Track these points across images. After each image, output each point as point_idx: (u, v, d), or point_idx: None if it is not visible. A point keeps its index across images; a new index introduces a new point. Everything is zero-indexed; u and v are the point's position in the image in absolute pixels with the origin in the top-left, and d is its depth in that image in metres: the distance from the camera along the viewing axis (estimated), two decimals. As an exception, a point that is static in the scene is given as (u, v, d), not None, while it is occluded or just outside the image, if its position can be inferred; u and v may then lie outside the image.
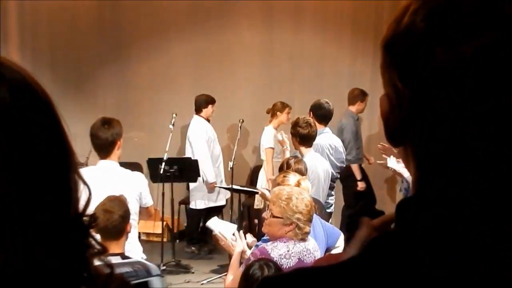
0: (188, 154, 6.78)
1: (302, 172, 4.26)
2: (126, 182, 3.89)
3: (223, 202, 7.10)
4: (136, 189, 3.94)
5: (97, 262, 0.77)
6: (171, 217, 6.68)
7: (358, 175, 6.48)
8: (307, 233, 3.24)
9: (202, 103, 6.86)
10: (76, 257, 0.73)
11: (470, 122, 0.65)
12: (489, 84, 0.65)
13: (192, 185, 6.89)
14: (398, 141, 0.76)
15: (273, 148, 6.56)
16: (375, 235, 0.81)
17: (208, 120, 6.94)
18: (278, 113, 6.70)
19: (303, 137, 5.01)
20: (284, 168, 4.32)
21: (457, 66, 0.65)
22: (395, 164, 4.53)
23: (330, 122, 5.85)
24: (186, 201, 7.49)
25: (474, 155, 0.66)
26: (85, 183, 0.77)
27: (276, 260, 2.99)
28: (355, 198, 6.44)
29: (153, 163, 6.42)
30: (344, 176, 6.20)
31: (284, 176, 3.76)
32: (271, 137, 6.55)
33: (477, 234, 0.64)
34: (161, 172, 6.26)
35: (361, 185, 6.50)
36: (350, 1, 7.68)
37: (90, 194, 0.79)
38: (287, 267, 3.04)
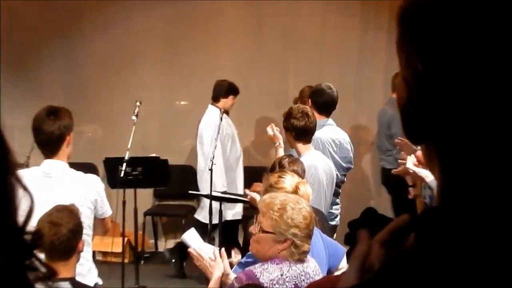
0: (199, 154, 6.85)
1: (299, 175, 4.29)
2: (78, 188, 3.92)
3: (238, 216, 7.21)
4: (90, 196, 3.97)
5: None
6: (134, 232, 6.75)
7: (409, 180, 6.45)
8: (306, 253, 3.26)
9: (222, 91, 6.93)
10: (15, 284, 0.73)
11: (471, 121, 0.70)
12: (489, 84, 0.70)
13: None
14: (419, 137, 0.78)
15: None
16: (380, 252, 0.84)
17: (227, 113, 6.99)
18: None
19: (299, 131, 5.05)
20: (276, 169, 4.35)
21: (458, 66, 0.69)
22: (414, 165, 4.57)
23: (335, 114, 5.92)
24: (153, 212, 7.60)
25: (476, 155, 0.71)
26: (25, 188, 0.76)
27: (266, 287, 3.02)
28: (407, 208, 6.47)
29: (112, 164, 6.48)
30: (393, 183, 6.17)
31: (280, 177, 3.80)
32: None
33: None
34: (122, 175, 6.30)
35: (413, 192, 6.49)
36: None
37: (32, 202, 0.78)
38: None
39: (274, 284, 3.12)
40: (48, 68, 8.16)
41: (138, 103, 6.85)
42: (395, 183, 6.20)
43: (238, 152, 7.06)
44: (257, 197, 4.54)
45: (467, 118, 0.71)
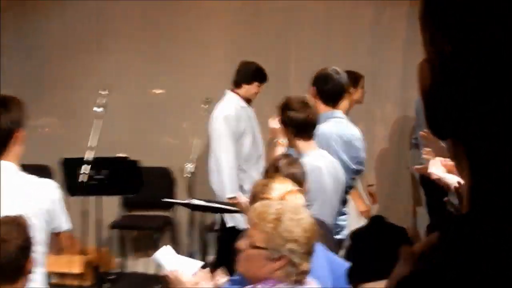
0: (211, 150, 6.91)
1: (299, 179, 4.34)
2: (30, 195, 3.90)
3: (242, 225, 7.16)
4: (44, 206, 3.95)
5: None
6: (97, 249, 6.89)
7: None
8: (305, 273, 3.27)
9: (246, 76, 6.92)
10: None
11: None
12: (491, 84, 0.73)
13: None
14: (445, 131, 0.81)
15: None
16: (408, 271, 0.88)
17: (249, 101, 7.02)
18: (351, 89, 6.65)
19: (299, 126, 5.09)
20: (271, 172, 4.42)
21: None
22: (440, 170, 4.53)
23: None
24: (121, 224, 7.77)
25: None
26: None
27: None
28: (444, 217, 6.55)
29: (71, 166, 6.52)
30: (433, 188, 6.13)
31: (264, 185, 3.86)
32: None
33: None
34: (83, 179, 6.34)
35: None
36: None
37: None
38: None
39: None
40: (5, 51, 8.30)
41: (104, 92, 6.83)
42: (433, 189, 6.14)
43: (260, 151, 7.06)
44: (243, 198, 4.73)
45: (505, 110, 0.73)
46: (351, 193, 6.18)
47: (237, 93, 6.99)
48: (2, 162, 3.85)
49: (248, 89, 6.87)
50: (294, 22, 8.16)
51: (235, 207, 6.07)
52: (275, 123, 5.52)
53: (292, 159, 4.63)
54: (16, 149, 3.88)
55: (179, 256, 4.31)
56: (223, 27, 8.25)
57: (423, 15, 0.79)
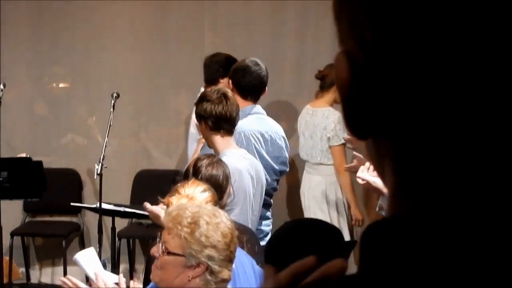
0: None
1: (218, 182, 4.35)
2: None
3: None
4: None
5: None
6: None
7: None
8: (226, 281, 3.28)
9: (218, 71, 6.73)
10: None
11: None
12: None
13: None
14: (366, 129, 0.81)
15: (344, 144, 6.63)
16: None
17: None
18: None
19: (216, 119, 5.04)
20: (190, 174, 4.41)
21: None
22: (369, 174, 4.66)
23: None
24: (24, 231, 7.90)
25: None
26: None
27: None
28: None
29: None
30: None
31: (175, 189, 3.93)
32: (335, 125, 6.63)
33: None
34: None
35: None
36: None
37: None
38: None
39: None
40: None
41: (1, 86, 6.78)
42: None
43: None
44: (161, 212, 4.49)
45: (440, 102, 0.74)
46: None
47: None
48: None
49: (226, 83, 6.66)
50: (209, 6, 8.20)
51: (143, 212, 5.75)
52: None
53: (214, 160, 4.59)
54: None
55: (100, 263, 4.32)
56: (127, 10, 8.26)
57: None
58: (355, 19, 0.77)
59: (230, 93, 5.18)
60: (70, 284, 3.72)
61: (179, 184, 4.00)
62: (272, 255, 1.54)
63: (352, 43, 0.78)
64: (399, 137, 0.77)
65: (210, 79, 6.67)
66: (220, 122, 5.02)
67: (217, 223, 3.22)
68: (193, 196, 3.72)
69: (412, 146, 0.76)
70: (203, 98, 5.12)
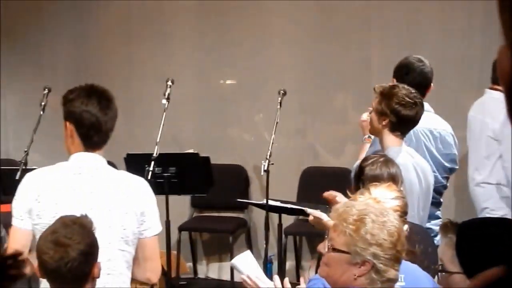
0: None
1: (395, 181, 4.32)
2: (121, 192, 3.95)
3: None
4: (136, 205, 3.97)
5: None
6: (167, 253, 6.94)
7: None
8: (392, 281, 3.23)
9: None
10: None
11: None
12: None
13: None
14: None
15: None
16: None
17: None
18: None
19: (402, 122, 5.04)
20: (356, 173, 4.51)
21: None
22: None
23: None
24: (191, 226, 8.13)
25: None
26: None
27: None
28: None
29: (135, 163, 6.58)
30: None
31: (366, 189, 3.88)
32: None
33: None
34: (149, 177, 6.35)
35: None
36: None
37: None
38: None
39: None
40: (50, 38, 8.66)
41: (169, 83, 6.91)
42: None
43: None
44: (322, 216, 4.65)
45: None
46: None
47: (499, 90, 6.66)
48: (92, 155, 3.91)
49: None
50: (375, 6, 8.13)
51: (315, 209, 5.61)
52: (367, 117, 5.57)
53: (387, 159, 4.58)
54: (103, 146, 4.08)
55: (258, 266, 4.38)
56: (293, 9, 8.27)
57: None
58: None
59: (421, 99, 5.14)
60: (249, 282, 3.82)
61: (372, 184, 3.98)
62: (463, 253, 1.58)
63: None
64: None
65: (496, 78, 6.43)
66: (402, 124, 5.03)
67: (383, 222, 3.19)
68: (380, 201, 3.69)
69: None
70: (393, 96, 5.07)
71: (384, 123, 5.08)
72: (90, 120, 3.94)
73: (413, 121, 5.17)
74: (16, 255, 1.02)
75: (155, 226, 4.12)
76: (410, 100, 5.10)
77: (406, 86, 5.32)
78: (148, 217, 4.07)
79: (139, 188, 4.13)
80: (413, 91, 5.27)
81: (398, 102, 5.09)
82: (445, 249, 3.36)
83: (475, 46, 7.59)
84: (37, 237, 3.61)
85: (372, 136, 5.59)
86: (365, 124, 5.64)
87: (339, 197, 4.60)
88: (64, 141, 4.06)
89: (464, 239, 3.13)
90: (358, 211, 3.22)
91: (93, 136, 4.02)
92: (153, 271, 4.23)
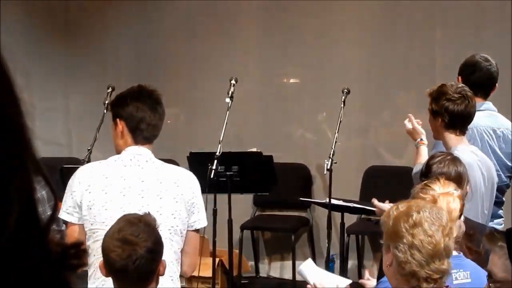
0: None
1: (462, 179, 4.37)
2: (170, 185, 4.04)
3: None
4: (184, 198, 4.07)
5: None
6: (229, 252, 7.08)
7: None
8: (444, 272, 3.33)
9: None
10: None
11: None
12: None
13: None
14: None
15: None
16: None
17: None
18: None
19: (454, 117, 5.04)
20: (423, 172, 4.49)
21: None
22: None
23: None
24: (253, 225, 8.11)
25: None
26: (49, 183, 0.96)
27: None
28: None
29: (198, 161, 6.66)
30: None
31: (425, 184, 3.88)
32: None
33: None
34: (212, 175, 6.44)
35: None
36: None
37: (55, 200, 1.01)
38: None
39: None
40: (114, 38, 8.94)
41: (233, 81, 6.97)
42: None
43: None
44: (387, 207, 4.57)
45: None
46: None
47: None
48: (143, 148, 4.10)
49: None
50: (439, 3, 8.15)
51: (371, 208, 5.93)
52: (411, 123, 5.65)
53: (453, 157, 4.60)
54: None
55: (325, 271, 4.50)
56: (357, 8, 8.35)
57: None
58: None
59: (470, 92, 5.17)
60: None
61: (429, 182, 3.98)
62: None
63: None
64: None
65: None
66: (458, 121, 5.06)
67: (431, 235, 3.29)
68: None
69: None
70: (442, 94, 5.12)
71: (439, 123, 5.14)
72: (139, 116, 4.10)
73: (466, 115, 5.17)
74: (78, 244, 1.04)
75: (202, 220, 4.26)
76: (457, 95, 5.13)
77: (454, 83, 5.38)
78: (197, 209, 4.20)
79: (189, 179, 4.25)
80: (460, 85, 5.34)
81: (446, 99, 5.13)
82: (495, 259, 3.38)
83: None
84: (87, 229, 3.79)
85: (425, 139, 5.61)
86: (410, 131, 5.73)
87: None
88: (113, 140, 4.24)
89: None
90: (412, 220, 3.29)
91: (143, 130, 4.18)
92: (190, 266, 4.39)
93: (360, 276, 6.72)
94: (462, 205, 4.02)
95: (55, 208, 1.08)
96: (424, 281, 3.34)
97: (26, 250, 0.92)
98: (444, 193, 3.80)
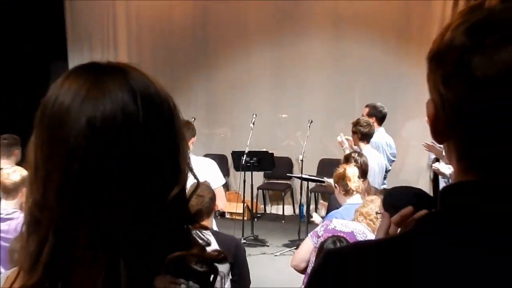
0: None
1: (365, 164, 5.68)
2: (203, 165, 5.32)
3: None
4: (207, 165, 5.39)
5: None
6: (251, 200, 9.89)
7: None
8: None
9: None
10: (182, 238, 1.21)
11: (504, 122, 1.00)
12: None
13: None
14: (442, 139, 1.08)
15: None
16: (394, 229, 1.44)
17: None
18: None
19: (363, 135, 6.78)
20: (351, 160, 5.69)
21: (493, 73, 0.97)
22: (443, 166, 5.95)
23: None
24: (263, 187, 11.02)
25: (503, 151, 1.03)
26: (192, 171, 1.24)
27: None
28: None
29: (236, 155, 9.43)
30: None
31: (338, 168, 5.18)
32: None
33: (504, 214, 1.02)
34: (243, 163, 9.10)
35: None
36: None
37: (198, 183, 1.33)
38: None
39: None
40: (194, 89, 11.62)
41: (254, 115, 9.67)
42: None
43: None
44: (330, 181, 5.74)
45: (501, 119, 0.98)
46: None
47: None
48: None
49: None
50: (359, 73, 10.63)
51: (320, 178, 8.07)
52: (340, 138, 7.27)
53: (360, 153, 6.07)
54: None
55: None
56: (319, 77, 10.69)
57: (428, 74, 1.06)
58: (435, 82, 1.03)
59: (371, 122, 6.60)
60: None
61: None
62: (388, 204, 2.67)
63: (434, 94, 1.03)
64: (458, 144, 1.03)
65: None
66: (365, 137, 6.50)
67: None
68: None
69: (465, 149, 1.02)
70: (358, 123, 6.56)
71: (356, 138, 6.56)
72: None
73: (369, 134, 6.58)
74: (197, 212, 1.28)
75: (219, 179, 5.29)
76: (365, 123, 6.49)
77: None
78: (215, 172, 5.30)
79: (206, 158, 5.44)
80: (367, 118, 6.57)
81: (360, 125, 6.52)
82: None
83: None
84: None
85: (347, 147, 7.01)
86: (340, 143, 7.18)
87: None
88: None
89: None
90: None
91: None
92: (222, 206, 5.49)
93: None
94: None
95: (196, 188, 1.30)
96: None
97: (177, 212, 1.16)
98: (347, 166, 5.09)
